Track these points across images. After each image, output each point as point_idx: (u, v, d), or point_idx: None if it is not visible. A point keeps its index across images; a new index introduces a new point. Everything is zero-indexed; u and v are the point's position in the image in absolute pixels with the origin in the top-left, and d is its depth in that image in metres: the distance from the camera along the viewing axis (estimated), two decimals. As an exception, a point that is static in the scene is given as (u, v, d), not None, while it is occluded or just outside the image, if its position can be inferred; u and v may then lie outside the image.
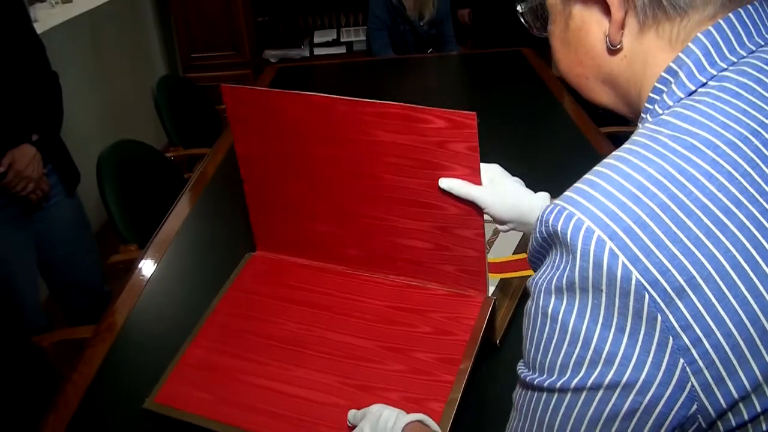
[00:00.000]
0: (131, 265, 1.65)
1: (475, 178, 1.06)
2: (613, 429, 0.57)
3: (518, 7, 0.78)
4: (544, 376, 0.60)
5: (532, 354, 0.62)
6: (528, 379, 0.63)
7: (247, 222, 1.36)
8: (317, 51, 4.57)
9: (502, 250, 1.39)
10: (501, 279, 1.26)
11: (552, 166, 1.82)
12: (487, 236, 1.26)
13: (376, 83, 2.94)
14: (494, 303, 1.14)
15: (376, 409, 0.97)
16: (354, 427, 0.99)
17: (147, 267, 1.59)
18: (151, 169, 2.27)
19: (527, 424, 0.64)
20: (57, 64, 2.16)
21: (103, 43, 3.64)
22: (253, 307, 1.25)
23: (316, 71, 3.40)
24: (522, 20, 0.79)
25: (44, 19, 3.17)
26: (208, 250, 1.67)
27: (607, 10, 0.64)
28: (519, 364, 0.66)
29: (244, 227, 1.39)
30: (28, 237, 2.04)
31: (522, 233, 1.34)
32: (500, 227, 1.11)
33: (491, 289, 1.23)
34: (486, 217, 1.09)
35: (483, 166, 1.07)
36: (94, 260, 2.29)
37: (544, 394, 0.61)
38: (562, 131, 2.23)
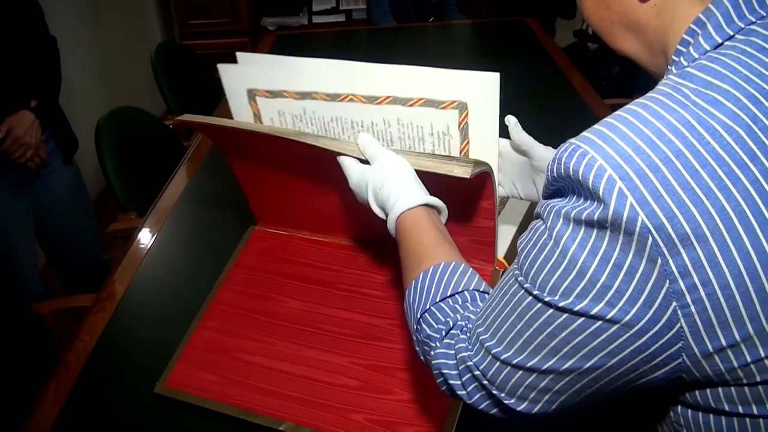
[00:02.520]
0: (130, 234, 1.63)
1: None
2: (590, 346, 0.59)
3: None
4: (534, 288, 0.62)
5: (527, 266, 0.63)
6: (519, 278, 0.65)
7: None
8: (316, 19, 4.51)
9: (510, 218, 1.37)
10: (509, 248, 1.25)
11: (555, 137, 1.80)
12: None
13: (376, 52, 2.90)
14: (501, 274, 1.13)
15: (385, 165, 0.91)
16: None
17: (147, 236, 1.57)
18: (150, 137, 2.24)
19: (506, 311, 0.66)
20: (54, 28, 2.12)
21: (101, 8, 3.58)
22: (259, 285, 1.24)
23: (316, 39, 3.35)
24: None
25: (40, -18, 3.12)
26: (208, 219, 1.66)
27: None
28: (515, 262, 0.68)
29: (243, 197, 1.37)
30: (26, 204, 2.03)
31: (529, 203, 1.32)
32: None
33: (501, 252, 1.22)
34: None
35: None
36: (92, 228, 2.27)
37: (529, 297, 0.63)
38: (566, 102, 2.21)
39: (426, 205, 0.88)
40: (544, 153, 1.06)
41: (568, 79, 2.39)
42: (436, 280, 0.77)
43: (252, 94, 1.13)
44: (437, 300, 0.76)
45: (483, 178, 1.00)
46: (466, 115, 1.02)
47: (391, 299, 1.17)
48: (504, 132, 1.05)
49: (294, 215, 1.30)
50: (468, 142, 1.05)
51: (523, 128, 1.08)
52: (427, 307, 0.76)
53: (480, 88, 0.99)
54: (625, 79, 3.34)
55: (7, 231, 1.96)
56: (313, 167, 1.13)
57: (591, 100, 2.18)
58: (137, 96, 3.51)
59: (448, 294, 0.76)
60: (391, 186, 0.88)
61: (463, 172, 0.91)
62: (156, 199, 1.75)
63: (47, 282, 2.19)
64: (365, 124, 1.06)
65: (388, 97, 1.04)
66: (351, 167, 0.97)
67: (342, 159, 0.98)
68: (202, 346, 1.14)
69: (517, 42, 2.90)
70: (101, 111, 2.09)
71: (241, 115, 1.16)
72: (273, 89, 1.11)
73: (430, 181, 0.93)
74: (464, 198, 1.05)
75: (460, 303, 0.76)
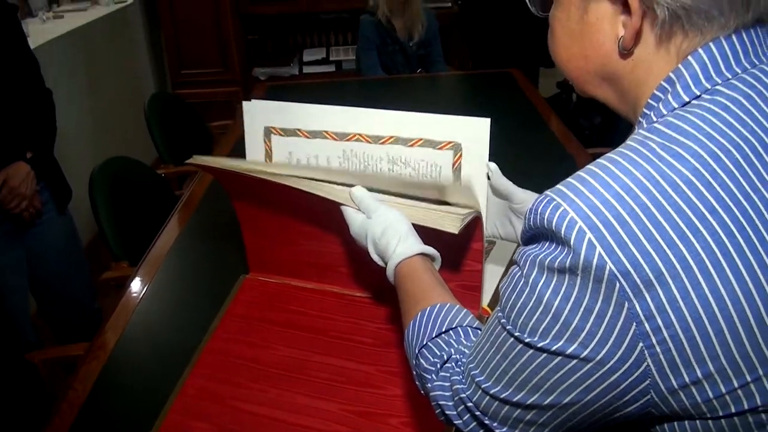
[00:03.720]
0: (123, 282, 1.66)
1: None
2: (568, 383, 0.64)
3: None
4: (516, 330, 0.67)
5: (507, 310, 0.68)
6: (502, 320, 0.69)
7: (238, 241, 1.38)
8: (306, 69, 4.60)
9: (499, 259, 1.41)
10: (494, 292, 1.29)
11: (537, 183, 1.84)
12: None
13: (365, 102, 2.95)
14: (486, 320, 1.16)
15: (383, 218, 1.00)
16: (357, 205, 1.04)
17: (139, 285, 1.59)
18: (143, 186, 2.27)
19: (492, 350, 0.71)
20: (48, 79, 2.17)
21: (94, 59, 3.65)
22: (251, 333, 1.26)
23: (306, 89, 3.43)
24: None
25: (35, 34, 3.17)
26: (199, 269, 1.68)
27: (627, 15, 0.67)
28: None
29: (234, 246, 1.40)
30: (20, 253, 2.05)
31: (515, 248, 1.36)
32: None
33: (486, 299, 1.25)
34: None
35: None
36: (84, 277, 2.29)
37: (511, 339, 0.68)
38: (549, 150, 2.26)
39: (421, 254, 0.95)
40: (522, 196, 1.13)
41: (550, 128, 2.45)
42: (432, 318, 0.85)
43: (268, 131, 1.24)
44: (433, 336, 0.83)
45: (473, 220, 1.05)
46: (460, 156, 1.13)
47: (382, 346, 1.20)
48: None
49: (289, 260, 1.34)
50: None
51: (508, 174, 1.15)
52: (425, 342, 0.84)
53: (472, 132, 1.11)
54: (606, 129, 3.42)
55: (1, 279, 1.98)
56: (314, 212, 1.18)
57: (573, 149, 2.24)
58: (130, 145, 3.57)
59: (443, 330, 0.84)
60: (389, 237, 0.97)
61: (452, 227, 0.98)
62: (148, 248, 1.77)
63: (38, 331, 2.20)
64: (370, 164, 1.17)
65: (391, 137, 1.17)
66: (352, 216, 1.04)
67: (344, 208, 1.05)
68: (195, 393, 1.16)
69: (502, 92, 2.98)
70: (95, 160, 2.13)
71: (255, 150, 1.24)
72: (287, 128, 1.22)
73: (425, 227, 0.99)
74: (456, 240, 1.09)
75: (454, 338, 0.83)
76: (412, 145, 1.16)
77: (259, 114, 1.24)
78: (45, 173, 2.04)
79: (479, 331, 0.81)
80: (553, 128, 2.46)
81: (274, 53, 4.79)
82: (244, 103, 1.26)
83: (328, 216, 1.08)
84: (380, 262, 0.99)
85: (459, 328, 0.84)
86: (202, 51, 4.34)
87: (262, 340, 1.25)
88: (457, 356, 0.80)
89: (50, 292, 2.22)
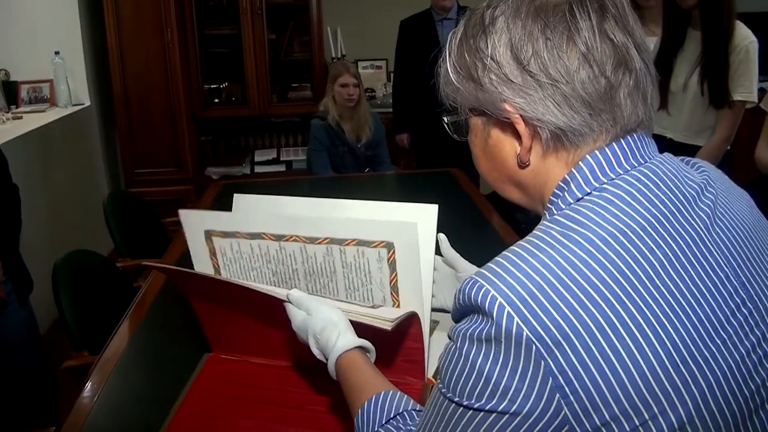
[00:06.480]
0: (83, 371, 1.70)
1: None
2: None
3: (444, 118, 0.96)
4: (455, 396, 0.78)
5: (446, 379, 0.80)
6: (443, 390, 0.80)
7: (199, 325, 1.48)
8: (258, 169, 4.78)
9: (442, 341, 1.54)
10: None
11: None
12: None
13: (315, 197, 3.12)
14: (432, 387, 1.29)
15: (323, 315, 1.10)
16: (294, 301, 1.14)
17: (102, 373, 1.63)
18: (103, 278, 2.36)
19: (437, 419, 0.81)
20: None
21: (51, 158, 3.76)
22: (213, 406, 1.36)
23: (258, 188, 3.56)
24: (446, 128, 0.96)
25: (-5, 134, 3.28)
26: (163, 354, 1.74)
27: (518, 137, 0.85)
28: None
29: (195, 331, 1.50)
30: (-17, 342, 2.10)
31: None
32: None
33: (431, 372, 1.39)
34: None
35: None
36: (43, 366, 2.33)
37: (452, 405, 0.79)
38: (488, 243, 2.43)
39: (359, 347, 1.08)
40: (465, 266, 1.34)
41: (490, 222, 2.65)
42: (379, 407, 0.97)
43: (208, 235, 1.37)
44: (383, 422, 0.95)
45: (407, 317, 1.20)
46: (393, 252, 1.25)
47: (329, 412, 1.32)
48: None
49: (245, 342, 1.45)
50: (396, 275, 1.28)
51: None
52: (376, 429, 0.95)
53: (421, 217, 1.28)
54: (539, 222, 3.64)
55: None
56: (262, 304, 1.29)
57: (510, 240, 2.41)
58: (85, 238, 3.63)
59: (391, 416, 0.95)
60: (329, 333, 1.08)
61: (384, 324, 1.14)
62: (109, 338, 1.83)
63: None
64: (308, 262, 1.30)
65: (327, 238, 1.27)
66: (293, 313, 1.16)
67: (287, 305, 1.17)
68: None
69: (443, 189, 3.19)
70: (53, 252, 2.22)
71: (198, 252, 1.38)
72: (226, 231, 1.34)
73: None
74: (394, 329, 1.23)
75: (401, 422, 0.95)
76: (346, 245, 1.29)
77: (195, 221, 1.38)
78: (9, 266, 2.12)
79: (421, 412, 0.91)
80: (492, 221, 2.65)
81: (226, 153, 4.97)
82: (181, 212, 1.39)
83: (275, 303, 1.20)
84: (321, 357, 1.10)
85: (405, 413, 0.96)
86: (156, 151, 4.48)
87: (224, 413, 1.34)
88: None
89: (8, 381, 2.24)
